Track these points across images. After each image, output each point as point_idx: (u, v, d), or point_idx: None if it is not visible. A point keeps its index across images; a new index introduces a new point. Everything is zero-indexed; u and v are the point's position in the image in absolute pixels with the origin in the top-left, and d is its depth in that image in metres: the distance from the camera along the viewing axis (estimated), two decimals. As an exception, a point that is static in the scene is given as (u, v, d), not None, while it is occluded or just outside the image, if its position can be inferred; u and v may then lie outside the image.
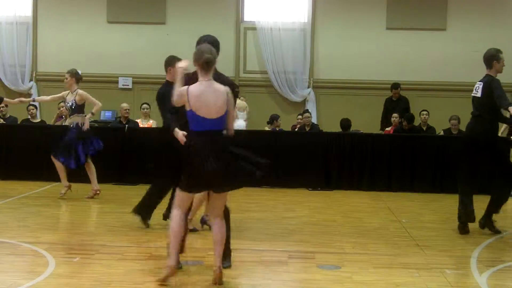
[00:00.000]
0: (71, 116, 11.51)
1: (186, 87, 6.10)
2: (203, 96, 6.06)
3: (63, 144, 11.28)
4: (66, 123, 11.67)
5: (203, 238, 8.53)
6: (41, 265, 6.96)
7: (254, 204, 11.59)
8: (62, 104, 14.92)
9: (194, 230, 8.81)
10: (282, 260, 7.61)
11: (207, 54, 6.13)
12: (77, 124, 11.35)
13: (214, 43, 6.84)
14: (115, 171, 13.42)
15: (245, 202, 11.77)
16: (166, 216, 9.13)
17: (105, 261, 7.32)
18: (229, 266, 6.97)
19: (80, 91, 11.46)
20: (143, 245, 8.14)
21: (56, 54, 17.46)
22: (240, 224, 9.63)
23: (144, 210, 9.10)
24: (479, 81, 9.31)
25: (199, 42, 6.81)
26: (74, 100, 11.40)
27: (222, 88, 6.18)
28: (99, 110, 11.61)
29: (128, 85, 17.35)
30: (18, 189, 12.06)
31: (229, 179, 6.20)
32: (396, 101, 16.14)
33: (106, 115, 16.55)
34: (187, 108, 6.09)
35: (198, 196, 8.48)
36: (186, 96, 6.05)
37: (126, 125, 14.28)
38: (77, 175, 11.83)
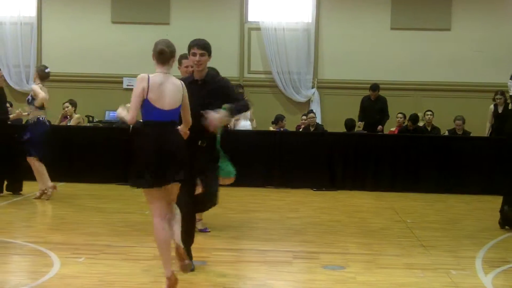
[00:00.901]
0: (32, 111, 11.44)
1: (147, 75, 6.05)
2: (162, 87, 6.01)
3: (37, 140, 11.26)
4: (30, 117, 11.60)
5: (208, 238, 8.53)
6: (46, 265, 6.97)
7: (258, 205, 11.59)
8: (66, 104, 14.96)
9: (204, 231, 8.79)
10: (286, 260, 7.60)
11: (161, 45, 6.12)
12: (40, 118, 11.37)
13: (205, 46, 6.82)
14: (120, 171, 13.41)
15: (249, 202, 11.78)
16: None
17: (110, 261, 7.32)
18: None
19: (33, 86, 11.42)
20: (147, 245, 8.12)
21: (61, 54, 17.50)
22: (245, 224, 9.64)
23: None
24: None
25: (191, 47, 6.83)
26: (31, 95, 11.42)
27: (178, 82, 6.15)
28: (41, 101, 11.49)
29: (132, 86, 17.30)
30: (23, 189, 12.05)
31: (185, 170, 6.06)
32: (374, 101, 15.84)
33: (110, 115, 16.59)
34: (144, 97, 5.98)
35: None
36: (146, 83, 5.96)
37: (131, 126, 14.25)
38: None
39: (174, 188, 6.15)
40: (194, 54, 6.78)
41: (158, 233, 6.00)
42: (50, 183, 11.41)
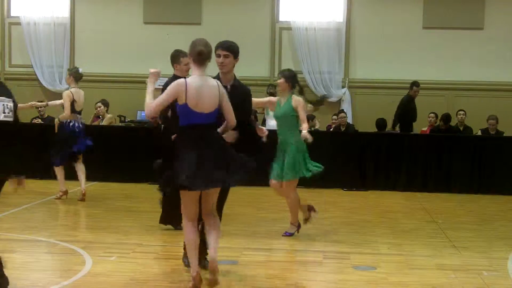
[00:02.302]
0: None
1: (184, 79, 5.96)
2: (200, 90, 5.89)
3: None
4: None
5: (239, 238, 8.55)
6: (78, 264, 7.04)
7: (289, 204, 11.57)
8: (98, 104, 15.08)
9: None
10: (317, 260, 7.59)
11: (200, 46, 5.97)
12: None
13: (230, 47, 6.72)
14: (151, 171, 13.46)
15: (280, 202, 11.76)
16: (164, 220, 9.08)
17: (141, 260, 7.38)
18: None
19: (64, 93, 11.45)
20: (178, 244, 8.17)
21: (93, 54, 17.63)
22: (276, 224, 9.64)
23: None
24: None
25: (215, 48, 6.66)
26: None
27: (215, 83, 6.05)
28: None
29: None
30: (56, 188, 12.17)
31: (228, 173, 5.96)
32: (414, 100, 15.47)
33: (142, 115, 16.66)
34: (181, 102, 5.88)
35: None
36: (184, 88, 5.86)
37: (162, 125, 14.32)
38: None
39: (213, 195, 6.12)
40: (218, 56, 6.61)
41: (186, 234, 6.09)
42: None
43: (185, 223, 6.10)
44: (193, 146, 5.89)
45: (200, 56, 5.96)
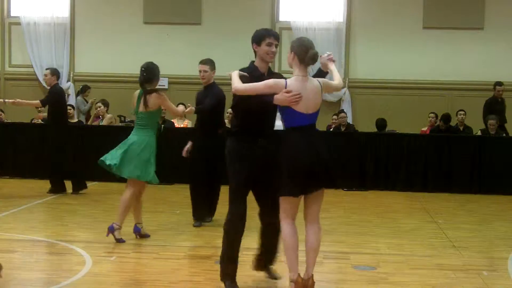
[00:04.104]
0: None
1: (283, 80, 5.80)
2: (304, 92, 5.75)
3: None
4: None
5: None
6: (78, 264, 7.03)
7: (289, 204, 11.55)
8: (98, 104, 15.07)
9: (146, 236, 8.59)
10: (317, 260, 7.57)
11: (313, 49, 5.79)
12: None
13: (278, 38, 6.49)
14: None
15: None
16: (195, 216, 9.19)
17: (141, 260, 7.38)
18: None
19: None
20: (178, 244, 8.19)
21: (93, 55, 17.65)
22: (275, 224, 9.63)
23: None
24: None
25: (267, 36, 6.29)
26: None
27: (317, 83, 5.88)
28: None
29: (164, 86, 17.41)
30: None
31: (330, 174, 6.03)
32: (501, 101, 15.38)
33: (142, 115, 16.66)
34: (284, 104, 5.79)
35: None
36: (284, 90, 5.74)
37: (162, 125, 14.34)
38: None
39: (314, 200, 6.15)
40: (270, 45, 6.23)
41: (285, 237, 6.04)
42: None
43: (282, 224, 6.09)
44: (302, 148, 5.84)
45: (314, 59, 5.80)
